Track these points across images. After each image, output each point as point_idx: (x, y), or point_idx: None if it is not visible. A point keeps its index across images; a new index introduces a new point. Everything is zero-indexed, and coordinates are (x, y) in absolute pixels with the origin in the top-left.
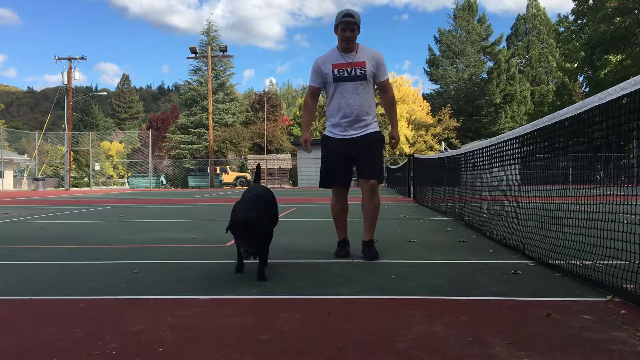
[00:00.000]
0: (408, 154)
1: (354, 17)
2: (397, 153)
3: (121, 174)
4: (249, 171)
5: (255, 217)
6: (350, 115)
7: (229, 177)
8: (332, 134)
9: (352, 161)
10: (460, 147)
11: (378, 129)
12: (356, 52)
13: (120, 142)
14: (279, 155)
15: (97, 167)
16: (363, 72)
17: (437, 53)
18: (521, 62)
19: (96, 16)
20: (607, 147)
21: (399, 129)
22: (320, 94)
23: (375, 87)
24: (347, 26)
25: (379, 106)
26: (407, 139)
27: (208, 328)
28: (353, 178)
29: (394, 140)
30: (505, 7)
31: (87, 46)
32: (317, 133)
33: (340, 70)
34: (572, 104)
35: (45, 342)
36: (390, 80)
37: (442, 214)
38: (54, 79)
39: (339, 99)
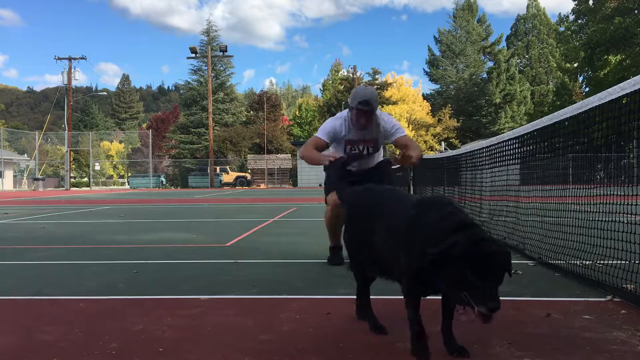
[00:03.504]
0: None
1: (370, 105)
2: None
3: (121, 174)
4: (249, 171)
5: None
6: (359, 170)
7: (229, 177)
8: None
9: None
10: (460, 147)
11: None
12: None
13: (120, 142)
14: (279, 155)
15: (97, 167)
16: (374, 149)
17: (437, 53)
18: (521, 62)
19: (96, 17)
20: (607, 147)
21: None
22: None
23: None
24: (362, 115)
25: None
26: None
27: (208, 328)
28: None
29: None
30: (504, 8)
31: (87, 46)
32: None
33: (353, 149)
34: (572, 104)
35: (45, 342)
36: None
37: None
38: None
39: (352, 161)
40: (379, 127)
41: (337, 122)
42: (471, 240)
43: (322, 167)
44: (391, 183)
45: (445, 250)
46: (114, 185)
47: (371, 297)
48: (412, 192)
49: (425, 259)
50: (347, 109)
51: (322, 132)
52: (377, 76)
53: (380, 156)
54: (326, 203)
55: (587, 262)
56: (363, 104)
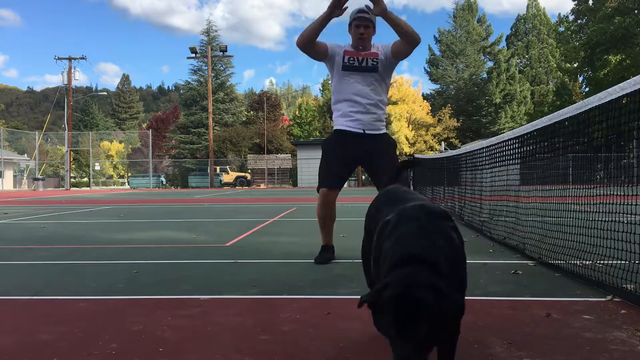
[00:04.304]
0: (408, 154)
1: (368, 13)
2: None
3: (121, 174)
4: (249, 171)
5: (437, 295)
6: (360, 105)
7: (229, 177)
8: (340, 126)
9: (354, 164)
10: (460, 147)
11: (386, 132)
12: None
13: (120, 142)
14: (279, 155)
15: (97, 167)
16: (375, 63)
17: (437, 53)
18: (521, 62)
19: (96, 17)
20: (607, 147)
21: (398, 129)
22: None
23: (396, 52)
24: (362, 22)
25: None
26: (407, 139)
27: (208, 328)
28: (352, 178)
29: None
30: (504, 8)
31: (87, 46)
32: (317, 133)
33: (351, 58)
34: (572, 104)
35: (45, 342)
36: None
37: None
38: (54, 79)
39: (347, 89)
40: (380, 46)
41: (339, 43)
42: (396, 285)
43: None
44: (393, 165)
45: (371, 301)
46: (114, 185)
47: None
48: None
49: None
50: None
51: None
52: None
53: (381, 116)
54: (317, 191)
55: (587, 262)
56: (362, 12)
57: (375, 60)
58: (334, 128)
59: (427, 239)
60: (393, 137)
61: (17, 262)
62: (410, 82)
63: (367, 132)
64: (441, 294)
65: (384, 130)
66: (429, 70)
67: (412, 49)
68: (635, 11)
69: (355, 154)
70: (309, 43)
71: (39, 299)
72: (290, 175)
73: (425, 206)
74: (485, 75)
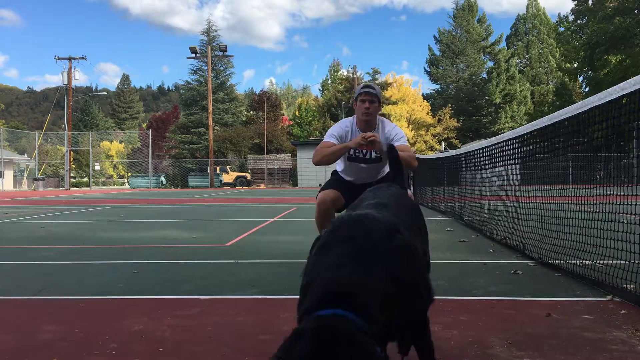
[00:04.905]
0: None
1: (373, 89)
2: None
3: (121, 174)
4: (249, 171)
5: (355, 351)
6: (363, 182)
7: (229, 177)
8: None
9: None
10: (460, 147)
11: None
12: (374, 130)
13: (120, 142)
14: (279, 155)
15: (97, 167)
16: (378, 155)
17: (437, 53)
18: (521, 62)
19: (96, 16)
20: (607, 147)
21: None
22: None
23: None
24: (367, 97)
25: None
26: (407, 139)
27: (208, 328)
28: None
29: (380, 141)
30: (504, 8)
31: (87, 46)
32: (317, 133)
33: (357, 152)
34: (572, 104)
35: (45, 342)
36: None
37: (442, 214)
38: (54, 79)
39: (351, 172)
40: (384, 130)
41: (342, 124)
42: (308, 341)
43: (321, 167)
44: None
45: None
46: (114, 185)
47: None
48: (412, 192)
49: None
50: (351, 117)
51: (330, 136)
52: (377, 76)
53: (385, 170)
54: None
55: (587, 262)
56: (367, 87)
57: (378, 154)
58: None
59: (357, 268)
60: None
61: (17, 262)
62: (410, 82)
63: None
64: (360, 351)
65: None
66: (429, 70)
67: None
68: (635, 11)
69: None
70: (325, 164)
71: (39, 299)
72: (290, 175)
73: (364, 220)
74: (485, 75)
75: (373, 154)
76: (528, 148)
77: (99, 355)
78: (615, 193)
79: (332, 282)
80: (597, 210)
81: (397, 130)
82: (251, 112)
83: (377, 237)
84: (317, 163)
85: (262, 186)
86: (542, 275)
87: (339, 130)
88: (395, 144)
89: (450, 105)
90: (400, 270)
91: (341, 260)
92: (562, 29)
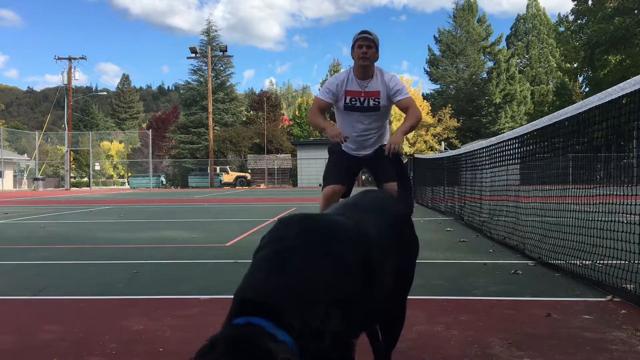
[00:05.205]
0: (408, 154)
1: (370, 34)
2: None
3: (121, 174)
4: (249, 171)
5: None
6: (361, 142)
7: (229, 177)
8: (342, 147)
9: (360, 166)
10: (460, 147)
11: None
12: (372, 78)
13: (120, 142)
14: (279, 155)
15: (97, 167)
16: (376, 103)
17: (437, 53)
18: (521, 62)
19: (96, 16)
20: (607, 147)
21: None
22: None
23: (397, 106)
24: (364, 42)
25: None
26: (407, 139)
27: (208, 328)
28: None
29: (390, 144)
30: (504, 8)
31: (87, 46)
32: (317, 133)
33: (353, 100)
34: (572, 104)
35: (45, 342)
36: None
37: (442, 214)
38: (54, 79)
39: (349, 126)
40: (382, 78)
41: (339, 76)
42: (220, 354)
43: (322, 167)
44: (404, 172)
45: None
46: (114, 185)
47: None
48: (412, 191)
49: None
50: (349, 68)
51: (323, 92)
52: None
53: (384, 136)
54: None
55: (587, 262)
56: (365, 33)
57: (376, 100)
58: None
59: (281, 273)
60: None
61: (17, 262)
62: (410, 82)
63: (368, 154)
64: None
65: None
66: (429, 70)
67: None
68: (635, 11)
69: (360, 163)
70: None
71: (39, 299)
72: (290, 175)
73: (307, 221)
74: (485, 75)
75: (371, 102)
76: (528, 148)
77: (99, 355)
78: (615, 193)
79: (250, 288)
80: (597, 210)
81: (396, 80)
82: (251, 112)
83: (311, 240)
84: (308, 123)
85: (262, 186)
86: (542, 275)
87: (333, 84)
88: (399, 98)
89: (450, 105)
90: (322, 281)
91: (263, 266)
92: (562, 29)
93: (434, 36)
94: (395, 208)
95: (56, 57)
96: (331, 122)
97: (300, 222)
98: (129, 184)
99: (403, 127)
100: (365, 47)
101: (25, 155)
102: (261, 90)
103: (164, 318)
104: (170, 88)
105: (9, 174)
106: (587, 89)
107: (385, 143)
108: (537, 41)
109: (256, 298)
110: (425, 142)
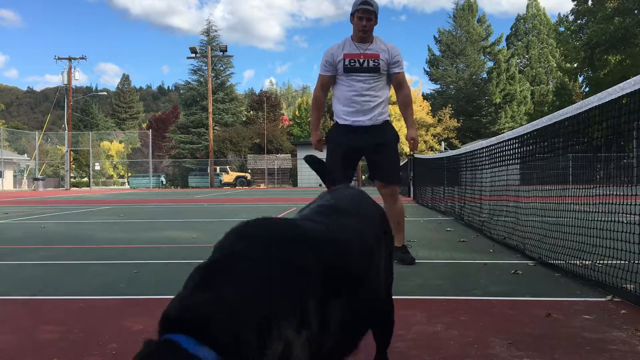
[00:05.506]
0: (408, 153)
1: (372, 5)
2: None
3: (121, 174)
4: (249, 171)
5: None
6: (361, 103)
7: (229, 177)
8: (339, 119)
9: (358, 156)
10: (460, 147)
11: (389, 119)
12: (371, 43)
13: (120, 142)
14: (279, 155)
15: (97, 167)
16: (376, 64)
17: (437, 53)
18: (521, 62)
19: (96, 16)
20: (607, 147)
21: (398, 129)
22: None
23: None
24: (365, 14)
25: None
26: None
27: None
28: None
29: (412, 141)
30: (504, 8)
31: (87, 46)
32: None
33: (352, 61)
34: (572, 104)
35: (45, 342)
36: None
37: (442, 214)
38: (54, 79)
39: (348, 88)
40: (382, 44)
41: (333, 46)
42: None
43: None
44: (399, 161)
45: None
46: (114, 185)
47: None
48: (412, 191)
49: None
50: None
51: (322, 67)
52: None
53: (385, 111)
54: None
55: (587, 262)
56: (365, 3)
57: (376, 61)
58: (336, 121)
59: (210, 287)
60: None
61: (17, 262)
62: (410, 82)
63: (369, 125)
64: None
65: (387, 119)
66: (428, 70)
67: None
68: (635, 11)
69: (357, 144)
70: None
71: (39, 299)
72: (290, 175)
73: (257, 226)
74: (485, 75)
75: (371, 62)
76: (528, 148)
77: (99, 355)
78: (615, 193)
79: (175, 304)
80: (597, 210)
81: (398, 51)
82: (251, 112)
83: (252, 246)
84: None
85: (262, 186)
86: (542, 275)
87: (329, 54)
88: (397, 70)
89: (450, 105)
90: (261, 292)
91: (195, 277)
92: (562, 29)
93: (434, 36)
94: (375, 207)
95: (56, 57)
96: (321, 132)
97: (240, 229)
98: (129, 184)
99: (411, 122)
100: (366, 20)
101: (25, 155)
102: (261, 90)
103: None
104: (170, 88)
105: (9, 174)
106: (587, 89)
107: (387, 118)
108: (537, 41)
109: (178, 315)
110: (425, 142)
